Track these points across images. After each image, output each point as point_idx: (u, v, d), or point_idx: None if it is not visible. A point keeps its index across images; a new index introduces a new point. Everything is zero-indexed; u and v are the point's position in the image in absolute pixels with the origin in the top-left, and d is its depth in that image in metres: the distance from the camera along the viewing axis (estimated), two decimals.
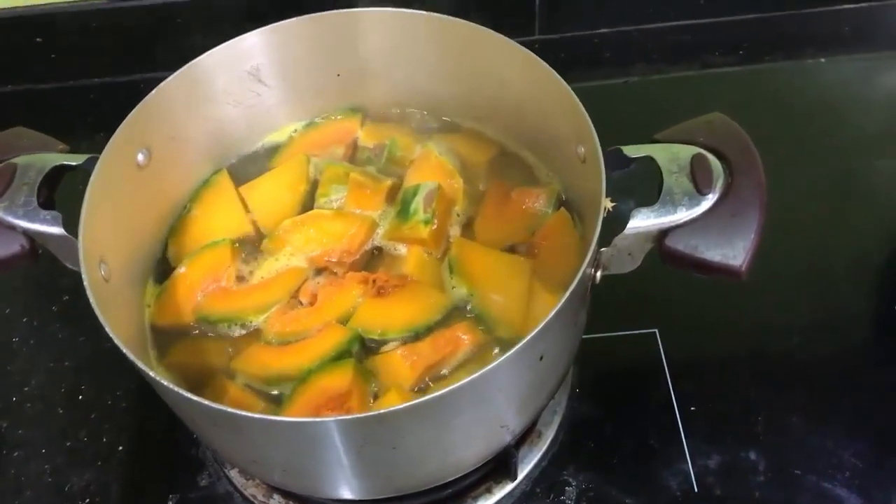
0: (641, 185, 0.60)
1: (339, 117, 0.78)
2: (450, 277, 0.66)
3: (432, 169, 0.72)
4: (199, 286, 0.68)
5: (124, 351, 0.52)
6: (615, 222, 0.58)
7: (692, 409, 0.73)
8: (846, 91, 0.99)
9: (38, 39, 1.03)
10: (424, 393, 0.61)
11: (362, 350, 0.64)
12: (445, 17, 0.69)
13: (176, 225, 0.72)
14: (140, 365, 0.52)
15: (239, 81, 0.73)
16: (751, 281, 0.57)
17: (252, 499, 0.70)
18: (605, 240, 0.58)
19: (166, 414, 0.61)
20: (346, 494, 0.61)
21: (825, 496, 0.69)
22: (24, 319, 0.84)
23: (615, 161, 0.60)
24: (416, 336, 0.64)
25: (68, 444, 0.75)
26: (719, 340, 0.79)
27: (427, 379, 0.62)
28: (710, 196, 0.57)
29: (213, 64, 0.70)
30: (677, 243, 0.57)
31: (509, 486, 0.70)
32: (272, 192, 0.73)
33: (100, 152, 0.62)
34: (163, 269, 0.70)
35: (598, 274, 0.60)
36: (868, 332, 0.80)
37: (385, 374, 0.62)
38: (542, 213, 0.70)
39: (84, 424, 0.76)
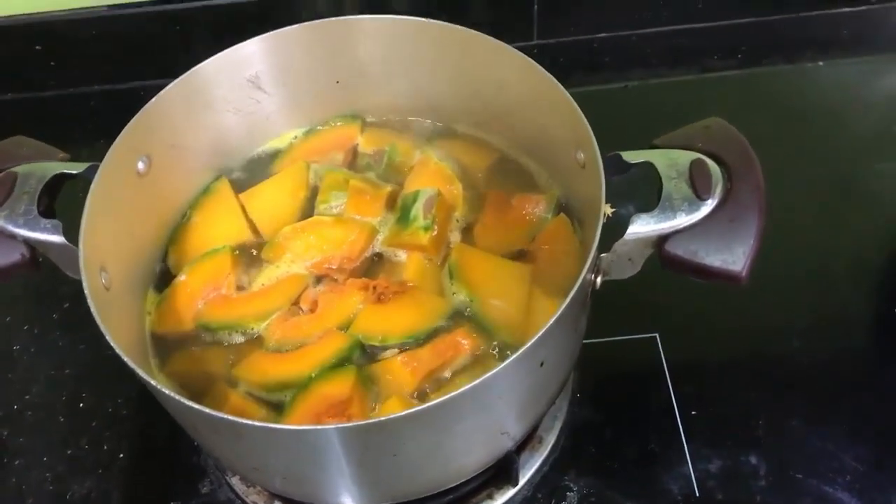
0: (641, 191, 0.60)
1: (338, 124, 0.79)
2: (450, 283, 0.66)
3: (432, 175, 0.72)
4: (199, 294, 0.68)
5: (125, 359, 0.52)
6: (615, 228, 0.58)
7: (693, 413, 0.74)
8: (845, 94, 0.99)
9: (37, 47, 1.03)
10: (425, 399, 0.61)
11: (363, 357, 0.64)
12: (444, 23, 0.69)
13: (176, 232, 0.72)
14: (141, 373, 0.52)
15: (239, 89, 0.73)
16: (751, 284, 0.57)
17: None
18: (605, 245, 0.58)
19: (167, 421, 0.61)
20: (348, 502, 0.61)
21: (826, 500, 0.69)
22: (25, 327, 0.84)
23: (614, 166, 0.60)
24: (417, 342, 0.64)
25: (69, 451, 0.75)
26: (720, 344, 0.79)
27: (428, 385, 0.62)
28: (710, 201, 0.57)
29: (213, 71, 0.70)
30: (677, 249, 0.57)
31: (511, 492, 0.70)
32: (272, 199, 0.73)
33: (100, 160, 0.62)
34: (163, 276, 0.70)
35: (599, 279, 0.60)
36: (868, 335, 0.80)
37: (386, 380, 0.62)
38: (542, 219, 0.70)
39: (85, 432, 0.76)
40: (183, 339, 0.67)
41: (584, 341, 0.67)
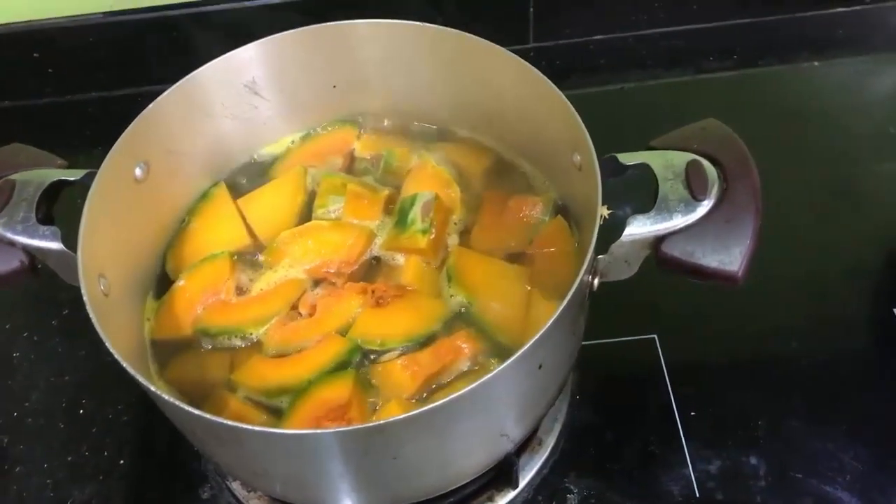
0: (637, 192, 0.60)
1: (335, 128, 0.79)
2: (448, 286, 0.67)
3: (429, 178, 0.72)
4: (198, 299, 0.68)
5: (124, 365, 0.52)
6: (612, 229, 0.58)
7: (692, 414, 0.74)
8: (840, 94, 1.00)
9: (35, 55, 1.04)
10: (425, 403, 0.61)
11: (362, 360, 0.64)
12: (439, 27, 0.69)
13: (174, 238, 0.72)
14: (140, 379, 0.52)
15: (236, 94, 0.73)
16: (749, 285, 0.57)
17: None
18: (602, 247, 0.58)
19: (167, 427, 0.61)
20: None
21: (826, 499, 0.69)
22: (25, 334, 0.85)
23: (611, 168, 0.60)
24: (416, 346, 0.64)
25: (70, 458, 0.75)
26: (718, 345, 0.79)
27: (427, 389, 0.62)
28: (706, 202, 0.57)
29: (210, 77, 0.70)
30: (673, 250, 0.57)
31: (511, 495, 0.70)
32: (270, 204, 0.74)
33: (98, 167, 0.62)
34: (162, 282, 0.70)
35: (596, 281, 0.60)
36: (866, 335, 0.80)
37: (385, 384, 0.62)
38: (539, 221, 0.70)
39: (85, 439, 0.76)
40: (182, 344, 0.67)
41: (583, 343, 0.67)
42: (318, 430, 0.51)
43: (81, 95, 1.06)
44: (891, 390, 0.75)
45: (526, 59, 0.66)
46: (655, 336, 0.78)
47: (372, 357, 0.64)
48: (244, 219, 0.73)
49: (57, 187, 0.63)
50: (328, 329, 0.65)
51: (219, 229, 0.72)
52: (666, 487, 0.70)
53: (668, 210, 0.57)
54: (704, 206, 0.57)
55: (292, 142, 0.78)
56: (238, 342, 0.66)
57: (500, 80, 0.69)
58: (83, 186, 0.62)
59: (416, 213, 0.69)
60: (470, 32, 0.69)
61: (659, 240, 0.57)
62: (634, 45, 1.06)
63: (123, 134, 0.64)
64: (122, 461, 0.75)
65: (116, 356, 0.53)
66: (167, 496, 0.73)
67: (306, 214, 0.73)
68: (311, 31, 0.71)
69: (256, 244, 0.72)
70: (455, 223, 0.71)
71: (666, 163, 0.59)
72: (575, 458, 0.72)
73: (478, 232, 0.70)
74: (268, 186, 0.75)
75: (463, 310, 0.65)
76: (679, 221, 0.57)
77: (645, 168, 0.60)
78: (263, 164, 0.78)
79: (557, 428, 0.73)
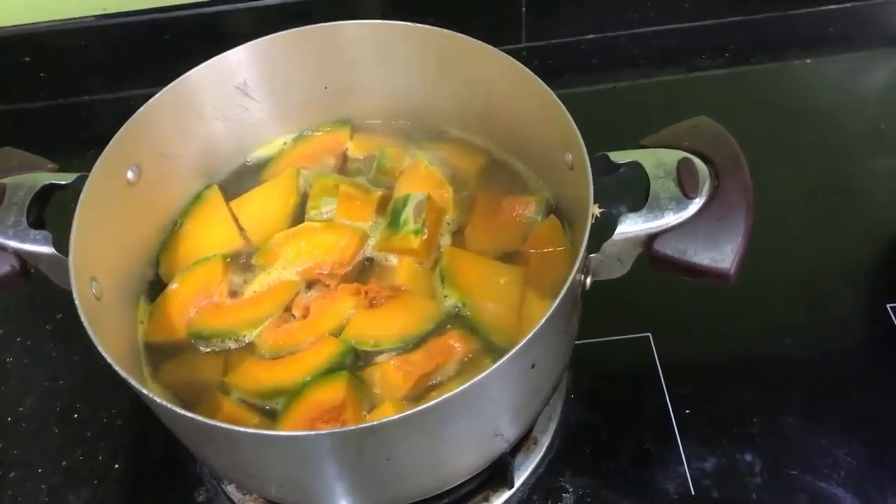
0: (629, 191, 0.60)
1: (327, 129, 0.79)
2: (441, 287, 0.66)
3: (422, 179, 0.72)
4: (191, 302, 0.68)
5: (117, 368, 0.52)
6: (604, 228, 0.58)
7: (687, 412, 0.74)
8: (832, 91, 1.00)
9: (26, 58, 1.04)
10: (419, 403, 0.61)
11: (356, 362, 0.64)
12: (430, 27, 0.69)
13: (167, 241, 0.72)
14: (133, 383, 0.52)
15: (227, 96, 0.73)
16: (742, 283, 0.57)
17: None
18: (594, 246, 0.58)
19: (162, 430, 0.61)
20: None
21: (821, 495, 0.69)
22: (18, 339, 0.84)
23: (602, 167, 0.60)
24: (410, 346, 0.64)
25: (64, 463, 0.75)
26: (712, 343, 0.79)
27: (421, 389, 0.62)
28: (697, 200, 0.57)
29: (201, 79, 0.70)
30: (665, 248, 0.57)
31: (506, 494, 0.70)
32: (263, 206, 0.73)
33: (89, 171, 0.62)
34: (155, 285, 0.70)
35: (588, 280, 0.60)
36: (860, 331, 0.80)
37: (379, 385, 0.62)
38: (532, 221, 0.70)
39: (80, 443, 0.76)
40: (175, 347, 0.67)
41: (577, 342, 0.67)
42: (312, 432, 0.51)
43: (73, 98, 1.06)
44: (885, 386, 0.75)
45: (518, 59, 0.66)
46: (650, 334, 0.78)
47: (365, 358, 0.64)
48: (237, 221, 0.73)
49: (48, 191, 0.63)
50: (322, 331, 0.65)
51: (211, 232, 0.72)
52: (662, 486, 0.70)
53: (659, 208, 0.57)
54: (696, 204, 0.57)
55: (284, 143, 0.78)
56: (231, 344, 0.66)
57: (491, 79, 0.69)
58: (74, 190, 0.62)
59: (408, 213, 0.69)
60: (462, 32, 0.69)
61: (651, 238, 0.57)
62: (626, 44, 1.06)
63: (115, 137, 0.64)
64: (116, 465, 0.75)
65: (109, 359, 0.52)
66: (162, 500, 0.73)
67: (299, 216, 0.73)
68: (302, 33, 0.71)
69: (249, 246, 0.72)
70: (448, 223, 0.71)
71: (657, 161, 0.59)
72: (570, 458, 0.72)
73: (471, 232, 0.70)
74: (260, 188, 0.75)
75: (456, 310, 0.65)
76: (671, 219, 0.57)
77: (636, 166, 0.60)
78: (256, 166, 0.78)
79: (552, 427, 0.73)
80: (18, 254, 0.61)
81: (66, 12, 1.01)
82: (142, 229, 0.70)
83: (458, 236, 0.70)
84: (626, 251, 0.58)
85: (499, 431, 0.60)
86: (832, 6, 1.06)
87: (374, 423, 0.50)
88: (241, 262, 0.71)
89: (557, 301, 0.53)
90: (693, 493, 0.69)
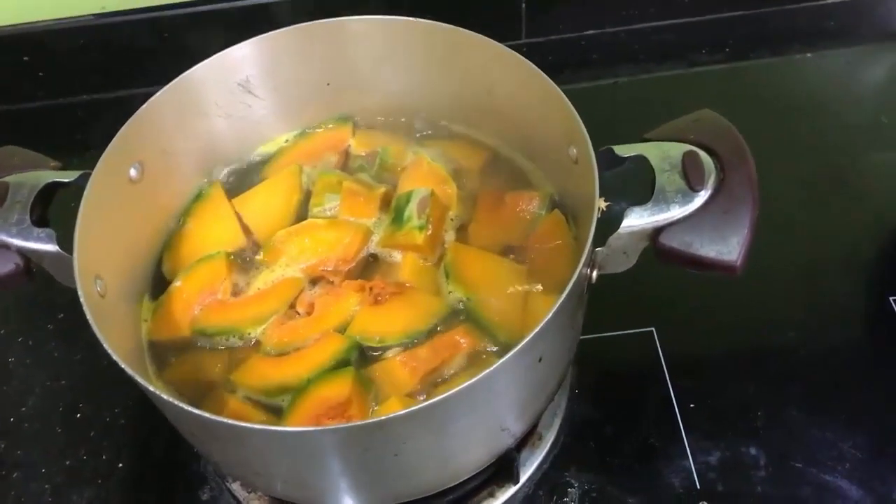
0: (633, 184, 0.60)
1: (330, 126, 0.78)
2: (446, 283, 0.66)
3: (425, 175, 0.72)
4: (195, 299, 0.68)
5: (123, 366, 0.52)
6: (608, 222, 0.58)
7: (691, 406, 0.74)
8: (832, 85, 1.00)
9: (25, 58, 1.03)
10: (425, 399, 0.61)
11: (361, 358, 0.64)
12: (433, 22, 0.69)
13: (170, 239, 0.72)
14: (140, 380, 0.52)
15: (229, 93, 0.73)
16: (744, 276, 0.57)
17: None
18: (600, 239, 0.58)
19: (166, 429, 0.61)
20: (350, 503, 0.61)
21: (826, 488, 0.69)
22: (19, 339, 0.84)
23: (607, 161, 0.60)
24: (415, 342, 0.64)
25: (68, 462, 0.75)
26: (716, 337, 0.79)
27: (427, 384, 0.62)
28: (703, 192, 0.57)
29: (203, 76, 0.70)
30: (671, 241, 0.57)
31: (512, 490, 0.70)
32: (266, 203, 0.73)
33: (90, 170, 0.62)
34: (158, 283, 0.70)
35: (594, 274, 0.60)
36: (863, 324, 0.80)
37: (385, 381, 0.62)
38: (536, 216, 0.70)
39: (83, 443, 0.76)
40: (180, 345, 0.66)
41: (581, 337, 0.67)
42: (320, 427, 0.51)
43: (72, 98, 1.06)
44: (889, 379, 0.75)
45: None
46: (653, 329, 0.78)
47: (371, 354, 0.64)
48: (240, 218, 0.72)
49: (51, 189, 0.63)
50: (326, 327, 0.65)
51: (214, 229, 0.72)
52: (667, 480, 0.70)
53: (665, 201, 0.57)
54: (702, 197, 0.57)
55: (287, 140, 0.78)
56: (236, 342, 0.66)
57: (495, 74, 0.69)
58: (77, 188, 0.62)
59: (412, 209, 0.68)
60: (462, 28, 0.68)
61: (657, 231, 0.57)
62: (626, 39, 1.06)
63: (118, 134, 0.64)
64: (120, 464, 0.75)
65: (115, 357, 0.52)
66: (166, 498, 0.73)
67: (302, 213, 0.73)
68: (304, 29, 0.71)
69: (253, 244, 0.71)
70: (451, 219, 0.71)
71: (662, 154, 0.59)
72: (575, 453, 0.72)
73: (474, 228, 0.70)
74: (263, 185, 0.75)
75: (461, 306, 0.65)
76: (677, 212, 0.57)
77: (641, 160, 0.60)
78: (258, 164, 0.77)
79: (557, 422, 0.73)
80: (22, 252, 0.60)
81: (65, 11, 1.00)
82: (145, 227, 0.70)
83: (461, 232, 0.70)
84: (632, 244, 0.58)
85: (505, 426, 0.60)
86: (832, 0, 1.06)
87: (383, 417, 0.49)
88: (245, 259, 0.70)
89: (565, 294, 0.53)
90: (698, 486, 0.69)
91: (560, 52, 1.06)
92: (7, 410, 0.79)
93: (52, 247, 0.60)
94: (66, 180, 0.63)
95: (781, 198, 0.85)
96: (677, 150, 0.59)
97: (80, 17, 1.00)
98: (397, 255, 0.69)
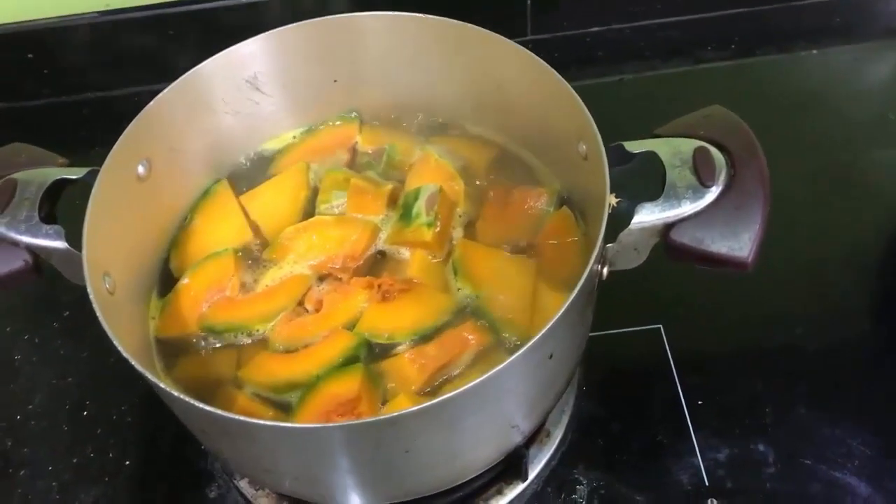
0: (643, 180, 0.60)
1: (337, 123, 0.78)
2: (454, 279, 0.66)
3: (432, 172, 0.72)
4: (203, 297, 0.67)
5: (133, 363, 0.52)
6: (617, 218, 0.58)
7: (699, 403, 0.74)
8: (838, 82, 1.00)
9: (29, 55, 1.03)
10: (433, 395, 0.61)
11: (370, 355, 0.64)
12: (441, 18, 0.69)
13: (178, 236, 0.72)
14: (150, 377, 0.52)
15: (237, 90, 0.73)
16: (752, 273, 0.57)
17: None
18: (610, 236, 0.58)
19: (173, 426, 0.61)
20: (359, 500, 0.61)
21: (835, 485, 0.69)
22: (26, 337, 0.84)
23: (617, 157, 0.60)
24: (424, 339, 0.63)
25: (75, 460, 0.75)
26: (724, 334, 0.79)
27: (436, 381, 0.62)
28: (714, 188, 0.57)
29: (211, 73, 0.70)
30: (683, 237, 0.57)
31: (520, 487, 0.70)
32: (273, 201, 0.73)
33: (96, 167, 0.62)
34: (166, 280, 0.70)
35: (605, 270, 0.60)
36: (871, 320, 0.80)
37: (393, 378, 0.62)
38: (545, 213, 0.70)
39: (90, 440, 0.76)
40: (188, 342, 0.66)
41: (590, 334, 0.67)
42: (331, 424, 0.51)
43: (77, 96, 1.05)
44: None
45: None
46: (661, 326, 0.78)
47: (380, 351, 0.64)
48: (247, 215, 0.72)
49: (59, 186, 0.63)
50: (335, 324, 0.65)
51: (222, 226, 0.72)
52: (675, 477, 0.70)
53: (676, 197, 0.57)
54: (713, 193, 0.57)
55: (294, 137, 0.78)
56: (244, 339, 0.66)
57: (503, 71, 0.69)
58: (84, 185, 0.62)
59: (420, 206, 0.68)
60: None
61: (668, 227, 0.57)
62: (632, 36, 1.06)
63: (125, 131, 0.64)
64: (127, 462, 0.74)
65: (125, 354, 0.52)
66: (174, 496, 0.73)
67: (310, 210, 0.72)
68: (312, 25, 0.71)
69: (260, 241, 0.71)
70: (460, 216, 0.71)
71: (673, 150, 0.59)
72: (583, 450, 0.72)
73: (482, 224, 0.70)
74: (270, 182, 0.75)
75: (470, 302, 0.65)
76: (688, 208, 0.57)
77: (651, 156, 0.60)
78: (265, 160, 0.77)
79: (565, 420, 0.73)
80: (31, 249, 0.60)
81: (69, 8, 1.00)
82: (152, 224, 0.70)
83: (469, 229, 0.70)
84: (642, 241, 0.58)
85: (514, 423, 0.60)
86: None
87: (395, 414, 0.49)
88: (253, 256, 0.70)
89: (576, 290, 0.53)
90: (707, 483, 0.69)
91: (565, 49, 1.05)
92: (14, 408, 0.79)
93: (60, 244, 0.60)
94: (73, 177, 0.63)
95: (788, 194, 0.84)
96: (688, 145, 0.59)
97: (84, 14, 1.00)
98: (405, 252, 0.69)
